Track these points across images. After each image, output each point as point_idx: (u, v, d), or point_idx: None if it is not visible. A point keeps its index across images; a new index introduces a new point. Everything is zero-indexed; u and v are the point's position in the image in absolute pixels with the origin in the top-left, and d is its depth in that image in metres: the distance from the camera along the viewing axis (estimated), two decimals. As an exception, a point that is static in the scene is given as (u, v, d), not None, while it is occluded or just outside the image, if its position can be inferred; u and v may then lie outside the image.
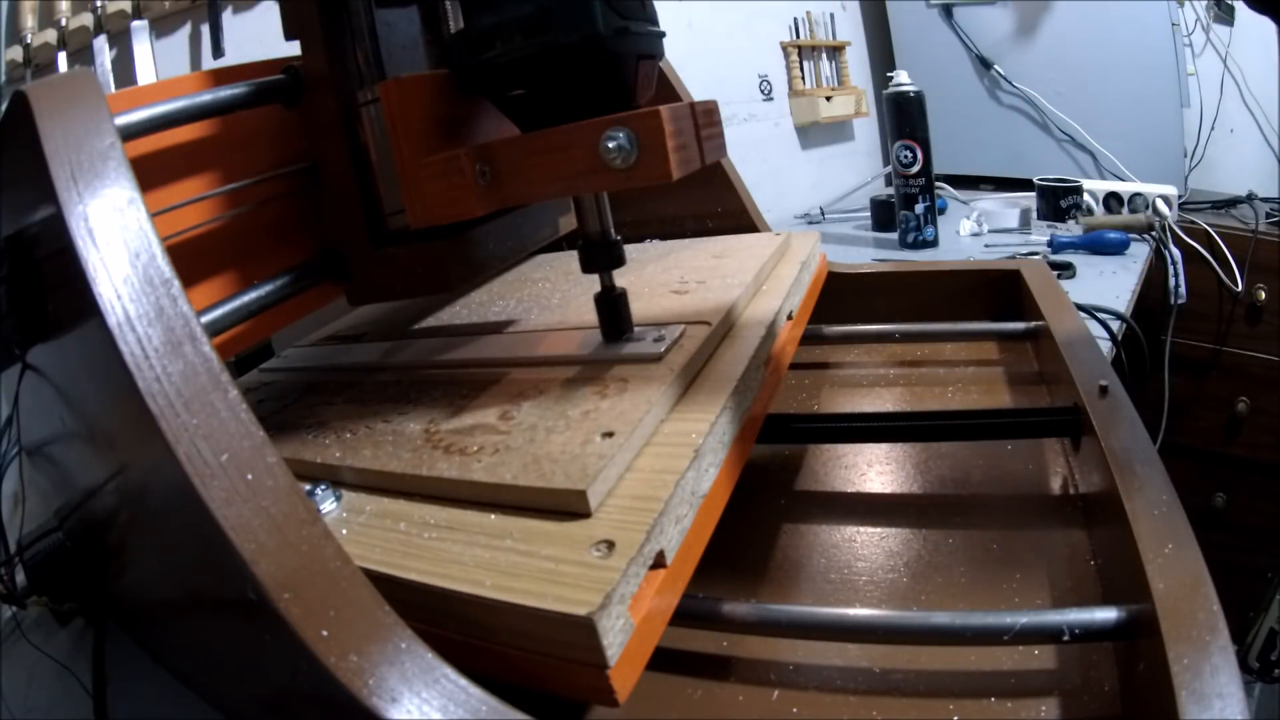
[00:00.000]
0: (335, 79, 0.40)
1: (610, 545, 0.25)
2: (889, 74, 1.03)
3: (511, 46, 0.32)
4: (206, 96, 0.38)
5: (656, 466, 0.30)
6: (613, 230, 0.37)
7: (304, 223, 0.45)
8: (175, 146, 0.39)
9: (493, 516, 0.29)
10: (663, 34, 0.35)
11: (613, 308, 0.39)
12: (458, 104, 0.38)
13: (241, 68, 0.42)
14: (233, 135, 0.42)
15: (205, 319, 0.36)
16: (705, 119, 0.33)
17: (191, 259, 0.39)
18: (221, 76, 0.40)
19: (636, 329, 0.40)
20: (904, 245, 1.04)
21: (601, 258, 0.37)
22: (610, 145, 0.30)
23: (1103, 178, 1.30)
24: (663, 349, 0.37)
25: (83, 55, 0.60)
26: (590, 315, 0.40)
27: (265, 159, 0.43)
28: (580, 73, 0.32)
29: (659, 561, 0.26)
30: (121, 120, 0.33)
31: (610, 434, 0.30)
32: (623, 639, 0.23)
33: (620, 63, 0.33)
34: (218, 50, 0.64)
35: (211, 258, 0.40)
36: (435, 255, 0.40)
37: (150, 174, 0.38)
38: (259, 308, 0.39)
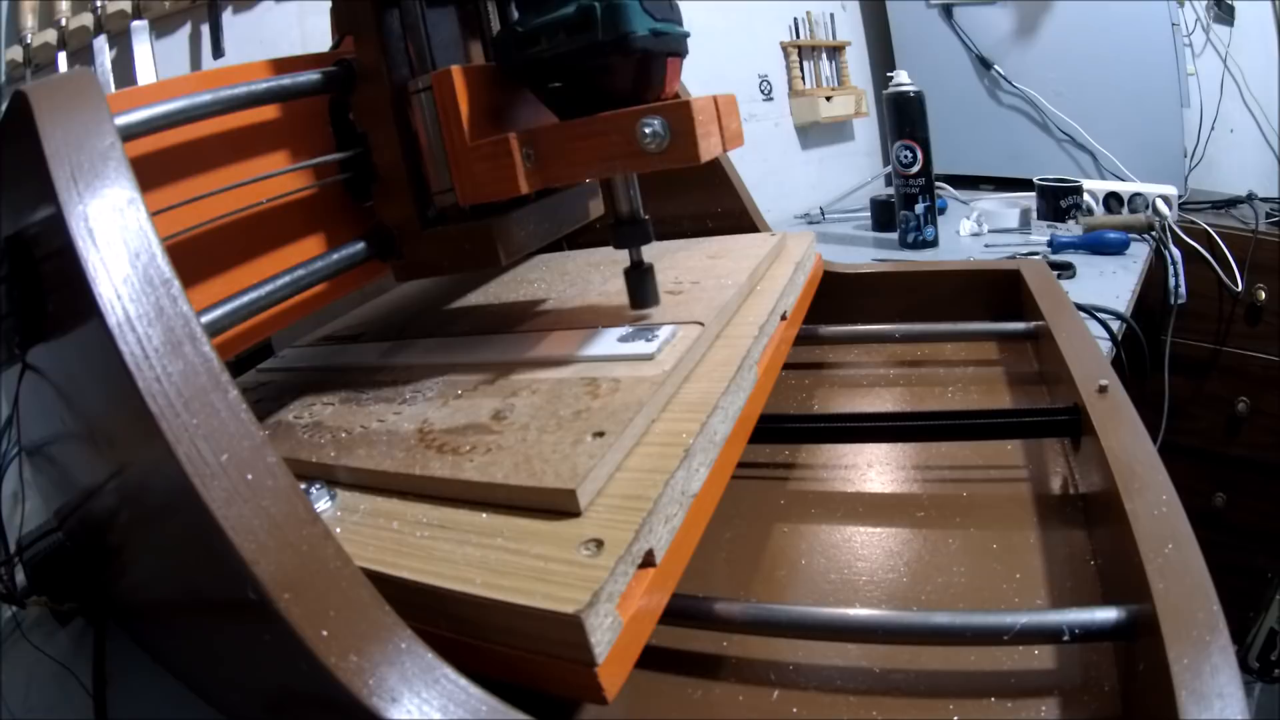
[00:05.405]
0: (387, 70, 0.43)
1: (599, 544, 0.25)
2: (889, 74, 1.03)
3: (556, 43, 0.36)
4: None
5: (647, 466, 0.30)
6: (642, 210, 0.41)
7: (305, 221, 0.45)
8: (175, 145, 0.39)
9: (484, 515, 0.29)
10: (688, 34, 0.38)
11: (641, 280, 0.43)
12: (501, 93, 0.41)
13: (243, 67, 0.43)
14: (232, 134, 0.42)
15: (206, 319, 0.36)
16: (725, 110, 0.38)
17: (192, 259, 0.39)
18: (220, 77, 0.41)
19: (630, 329, 0.41)
20: (904, 245, 1.04)
21: (632, 235, 0.41)
22: (646, 131, 0.34)
23: (1103, 178, 1.30)
24: (655, 349, 0.38)
25: (83, 55, 0.60)
26: (584, 316, 0.41)
27: (264, 159, 0.43)
28: (617, 67, 0.36)
29: (648, 560, 0.26)
30: (122, 120, 0.33)
31: (601, 434, 0.30)
32: (611, 637, 0.23)
33: (652, 59, 0.36)
34: (218, 50, 0.64)
35: (212, 258, 0.40)
36: (480, 232, 0.42)
37: (150, 173, 0.38)
38: (259, 308, 0.39)
